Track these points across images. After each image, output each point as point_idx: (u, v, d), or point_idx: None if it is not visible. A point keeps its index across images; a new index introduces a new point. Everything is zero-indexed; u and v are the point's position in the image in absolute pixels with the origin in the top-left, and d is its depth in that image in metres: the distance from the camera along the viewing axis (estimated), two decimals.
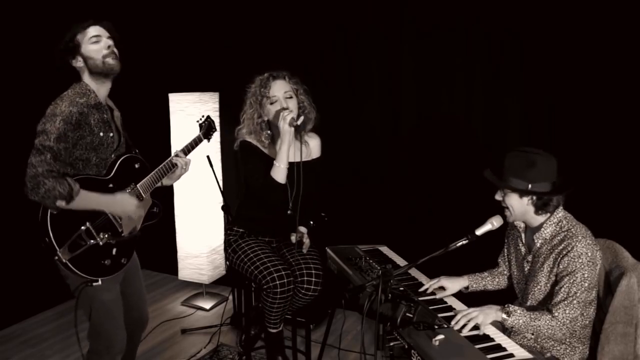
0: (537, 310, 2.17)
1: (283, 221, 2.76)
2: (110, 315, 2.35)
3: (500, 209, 2.24)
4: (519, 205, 2.19)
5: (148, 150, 2.73)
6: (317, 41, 3.72)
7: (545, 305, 2.21)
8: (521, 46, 3.17)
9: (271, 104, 2.64)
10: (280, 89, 2.64)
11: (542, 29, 3.09)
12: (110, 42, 2.31)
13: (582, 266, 2.08)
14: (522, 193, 2.16)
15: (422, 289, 2.42)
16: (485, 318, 2.11)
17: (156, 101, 4.07)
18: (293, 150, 2.67)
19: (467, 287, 2.50)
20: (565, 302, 2.09)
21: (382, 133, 3.68)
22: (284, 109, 2.61)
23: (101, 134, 2.25)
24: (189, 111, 3.78)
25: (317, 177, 2.80)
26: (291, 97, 2.66)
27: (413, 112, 3.56)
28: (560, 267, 2.13)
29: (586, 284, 2.09)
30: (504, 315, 2.12)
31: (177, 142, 3.87)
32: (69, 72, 2.29)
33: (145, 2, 4.23)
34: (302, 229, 2.85)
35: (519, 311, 2.12)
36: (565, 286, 2.10)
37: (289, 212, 2.70)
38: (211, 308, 4.00)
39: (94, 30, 2.30)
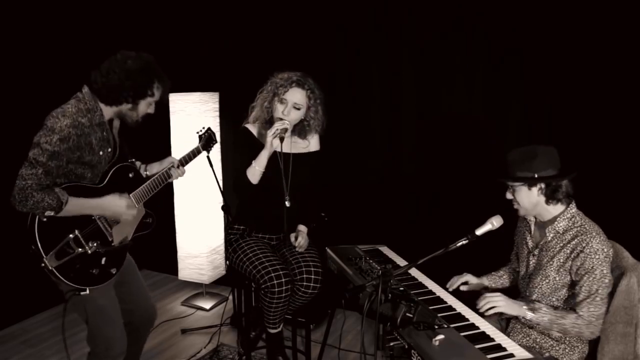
0: (560, 309, 2.18)
1: (281, 214, 2.76)
2: (107, 318, 2.34)
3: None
4: (529, 197, 2.20)
5: (148, 151, 2.73)
6: (317, 41, 3.72)
7: (550, 299, 2.23)
8: (521, 47, 3.17)
9: (280, 102, 2.67)
10: (294, 97, 2.66)
11: (542, 29, 3.09)
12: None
13: (600, 263, 2.10)
14: (530, 183, 2.17)
15: (448, 285, 2.44)
16: (508, 309, 2.12)
17: (156, 101, 4.06)
18: (290, 142, 2.76)
19: (486, 287, 2.51)
20: (588, 299, 2.10)
21: (382, 133, 3.68)
22: (280, 119, 2.64)
23: (101, 152, 2.23)
24: (189, 111, 3.78)
25: (313, 170, 2.84)
26: (298, 109, 2.68)
27: (413, 112, 3.56)
28: (577, 263, 2.13)
29: (606, 280, 2.11)
30: (530, 313, 2.13)
31: (177, 142, 3.88)
32: (77, 80, 2.26)
33: (146, 2, 4.23)
34: (302, 228, 2.87)
35: (544, 308, 2.14)
36: (585, 284, 2.11)
37: (286, 203, 2.69)
38: (211, 308, 4.01)
39: (158, 96, 2.32)
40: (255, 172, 2.65)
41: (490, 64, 3.29)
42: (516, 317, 2.40)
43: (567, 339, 2.21)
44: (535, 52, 3.13)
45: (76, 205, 2.15)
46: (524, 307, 2.14)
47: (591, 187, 2.94)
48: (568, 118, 3.11)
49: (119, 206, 2.29)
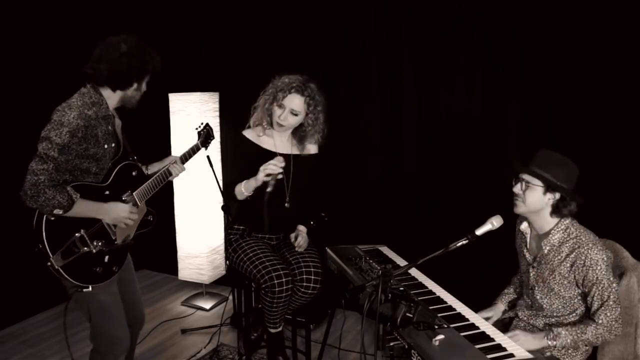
0: (578, 324, 2.18)
1: (281, 215, 2.79)
2: (110, 315, 2.34)
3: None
4: (539, 201, 2.19)
5: (148, 151, 2.73)
6: (317, 41, 3.72)
7: (564, 314, 2.24)
8: (521, 47, 3.17)
9: (278, 107, 2.70)
10: (292, 103, 2.67)
11: (542, 29, 3.09)
12: None
13: (604, 272, 2.11)
14: (549, 188, 2.16)
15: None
16: (528, 345, 2.12)
17: (156, 101, 4.07)
18: (290, 143, 2.81)
19: (507, 310, 2.51)
20: (603, 307, 2.11)
21: (382, 133, 3.68)
22: (272, 164, 2.58)
23: (105, 145, 2.24)
24: (189, 111, 3.78)
25: (313, 171, 2.86)
26: (296, 115, 2.70)
27: (413, 112, 3.56)
28: (581, 276, 2.14)
29: (614, 285, 2.12)
30: (552, 342, 2.14)
31: (177, 142, 3.87)
32: (78, 76, 2.26)
33: (146, 2, 4.23)
34: (302, 228, 2.87)
35: (563, 332, 2.14)
36: (596, 295, 2.12)
37: (286, 204, 2.76)
38: (211, 308, 4.01)
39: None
40: (242, 195, 2.69)
41: (490, 64, 3.28)
42: (517, 316, 2.40)
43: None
44: (535, 52, 3.13)
45: (82, 207, 2.16)
46: (544, 338, 2.15)
47: (591, 187, 2.94)
48: (568, 118, 3.10)
49: (122, 210, 2.31)
